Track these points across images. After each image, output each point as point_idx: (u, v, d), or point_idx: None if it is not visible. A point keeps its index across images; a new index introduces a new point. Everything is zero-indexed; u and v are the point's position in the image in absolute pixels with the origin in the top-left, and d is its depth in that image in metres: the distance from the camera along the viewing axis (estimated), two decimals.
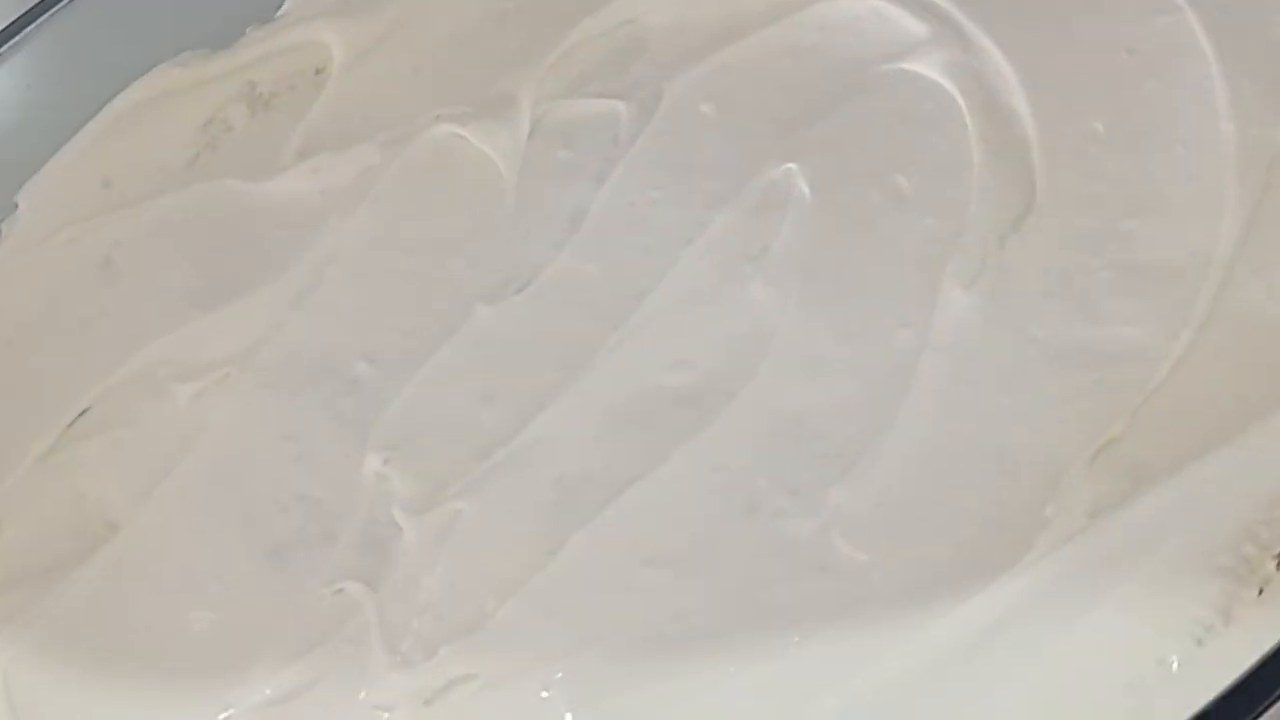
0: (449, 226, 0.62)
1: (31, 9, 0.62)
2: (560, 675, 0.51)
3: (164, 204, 0.63)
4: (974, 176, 0.57)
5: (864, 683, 0.48)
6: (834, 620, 0.50)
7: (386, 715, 0.52)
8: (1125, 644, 0.46)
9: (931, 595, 0.49)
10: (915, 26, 0.60)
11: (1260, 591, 0.45)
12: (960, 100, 0.58)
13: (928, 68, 0.59)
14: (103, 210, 0.63)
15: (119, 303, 0.62)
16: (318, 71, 0.65)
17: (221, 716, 0.53)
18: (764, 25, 0.63)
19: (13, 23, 0.62)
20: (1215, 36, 0.56)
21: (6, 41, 0.62)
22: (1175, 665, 0.44)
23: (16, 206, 0.62)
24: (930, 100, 0.59)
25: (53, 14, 0.62)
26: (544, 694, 0.51)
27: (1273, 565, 0.46)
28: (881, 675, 0.48)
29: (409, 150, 0.63)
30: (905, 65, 0.60)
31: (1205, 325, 0.50)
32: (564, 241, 0.60)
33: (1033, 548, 0.49)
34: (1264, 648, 0.41)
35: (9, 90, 0.62)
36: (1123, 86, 0.57)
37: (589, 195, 0.61)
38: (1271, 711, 0.40)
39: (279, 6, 0.66)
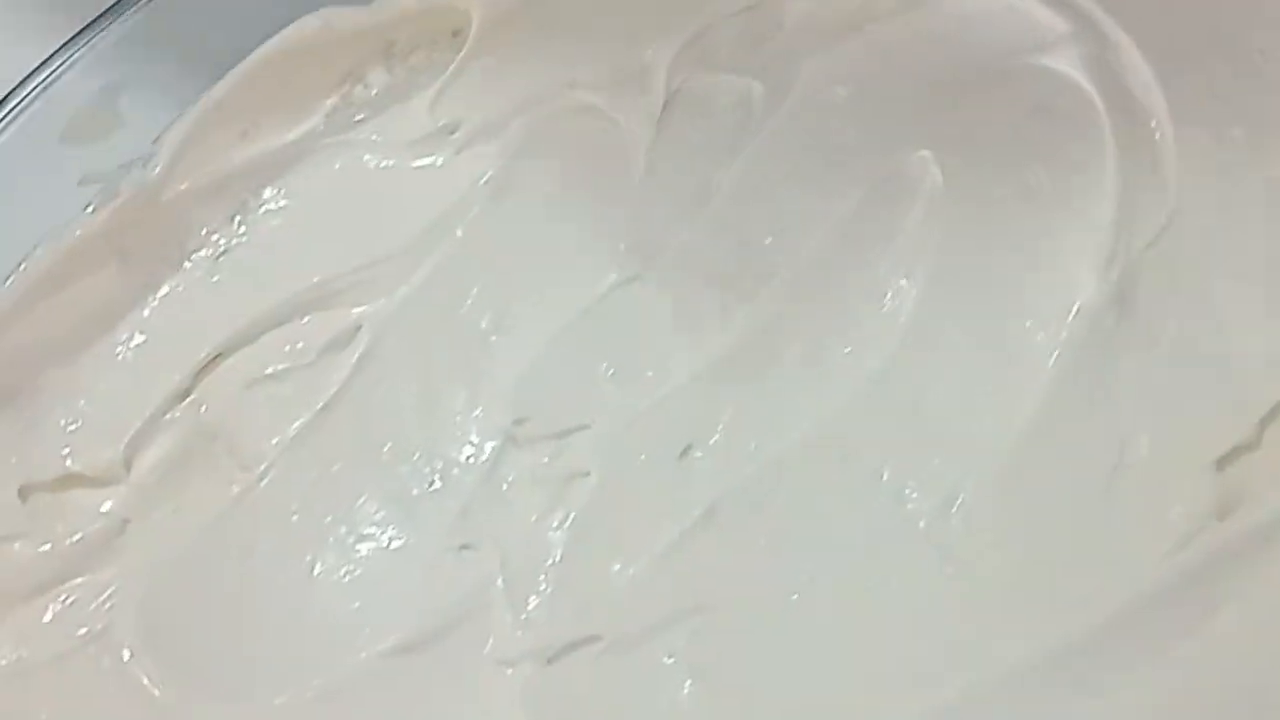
0: (579, 195, 0.62)
1: None
2: (683, 643, 0.52)
3: (301, 156, 0.64)
4: (1108, 176, 0.57)
5: (979, 673, 0.49)
6: (952, 607, 0.51)
7: (510, 671, 0.53)
8: (1249, 648, 0.46)
9: (1052, 589, 0.50)
10: (1053, 21, 0.60)
11: None
12: (1097, 98, 0.58)
13: (1065, 63, 0.59)
14: (239, 159, 0.64)
15: (254, 250, 0.63)
16: (455, 34, 0.66)
17: (347, 661, 0.54)
18: (902, 12, 0.63)
19: None
20: None
21: None
22: None
23: (156, 151, 0.62)
24: (1066, 97, 0.59)
25: None
26: (667, 660, 0.52)
27: None
28: (996, 668, 0.49)
29: (542, 116, 0.63)
30: (1042, 60, 0.60)
31: None
32: (693, 216, 0.61)
33: (1156, 548, 0.49)
34: None
35: (153, 36, 0.62)
36: (1263, 92, 0.56)
37: (720, 171, 0.62)
38: None
39: None
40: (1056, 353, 0.54)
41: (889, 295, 0.57)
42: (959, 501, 0.53)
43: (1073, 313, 0.55)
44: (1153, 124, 0.58)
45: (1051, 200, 0.58)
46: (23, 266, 0.60)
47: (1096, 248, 0.55)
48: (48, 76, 0.61)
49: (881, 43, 0.63)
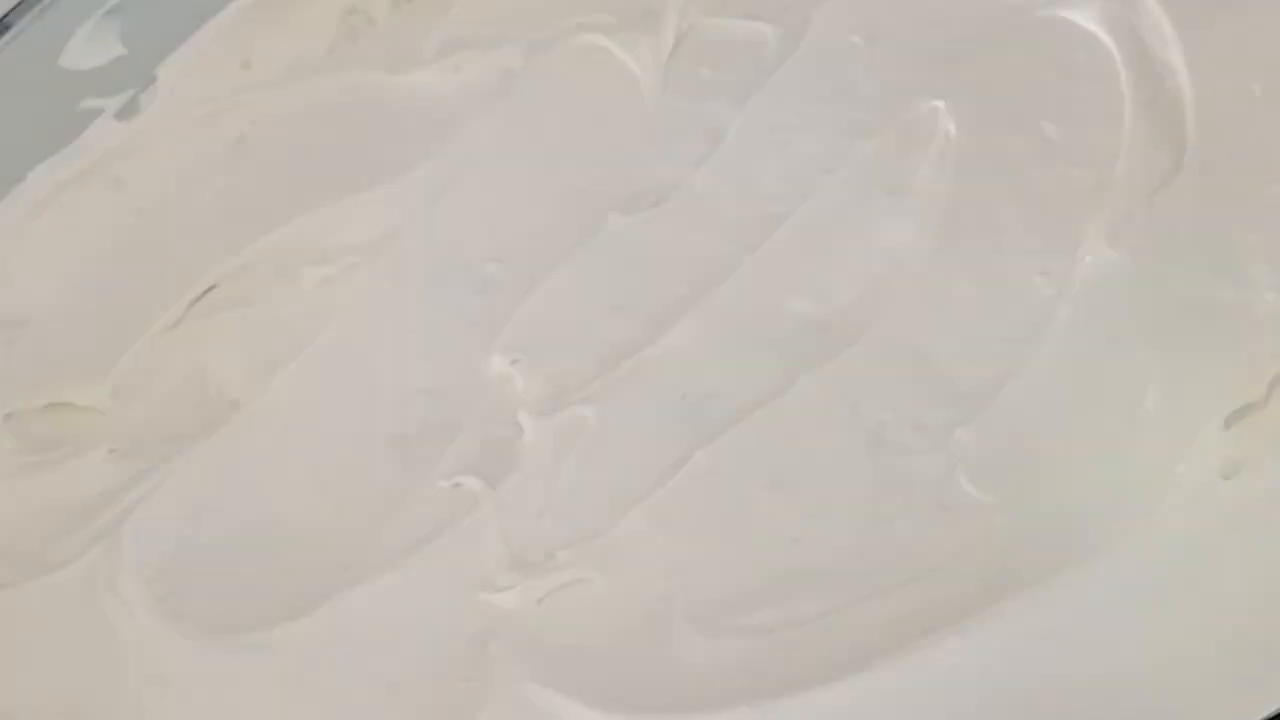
0: (587, 135, 0.61)
1: None
2: (678, 589, 0.51)
3: (302, 89, 0.63)
4: (1124, 130, 0.56)
5: (981, 632, 0.48)
6: (954, 562, 0.50)
7: (500, 609, 0.52)
8: (1257, 609, 0.45)
9: (1057, 545, 0.49)
10: None
11: None
12: (1115, 52, 0.58)
13: (1084, 17, 0.58)
14: (240, 90, 0.63)
15: (251, 182, 0.62)
16: None
17: (336, 597, 0.53)
18: None
19: None
20: None
21: None
22: None
23: (156, 79, 0.61)
24: (1084, 50, 0.58)
25: None
26: (660, 604, 0.51)
27: None
28: (1001, 625, 0.48)
29: (550, 55, 0.63)
30: (1061, 12, 0.59)
31: None
32: (702, 160, 0.60)
33: (1163, 505, 0.48)
34: None
35: None
36: None
37: (729, 115, 0.61)
38: None
39: None
40: (1066, 307, 0.53)
41: (899, 246, 0.56)
42: (964, 455, 0.52)
43: (1083, 267, 0.53)
44: (1171, 79, 0.57)
45: (1065, 154, 0.57)
46: (18, 191, 0.59)
47: (1109, 203, 0.55)
48: (48, 1, 0.60)
49: None
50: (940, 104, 0.58)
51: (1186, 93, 0.56)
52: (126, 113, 0.61)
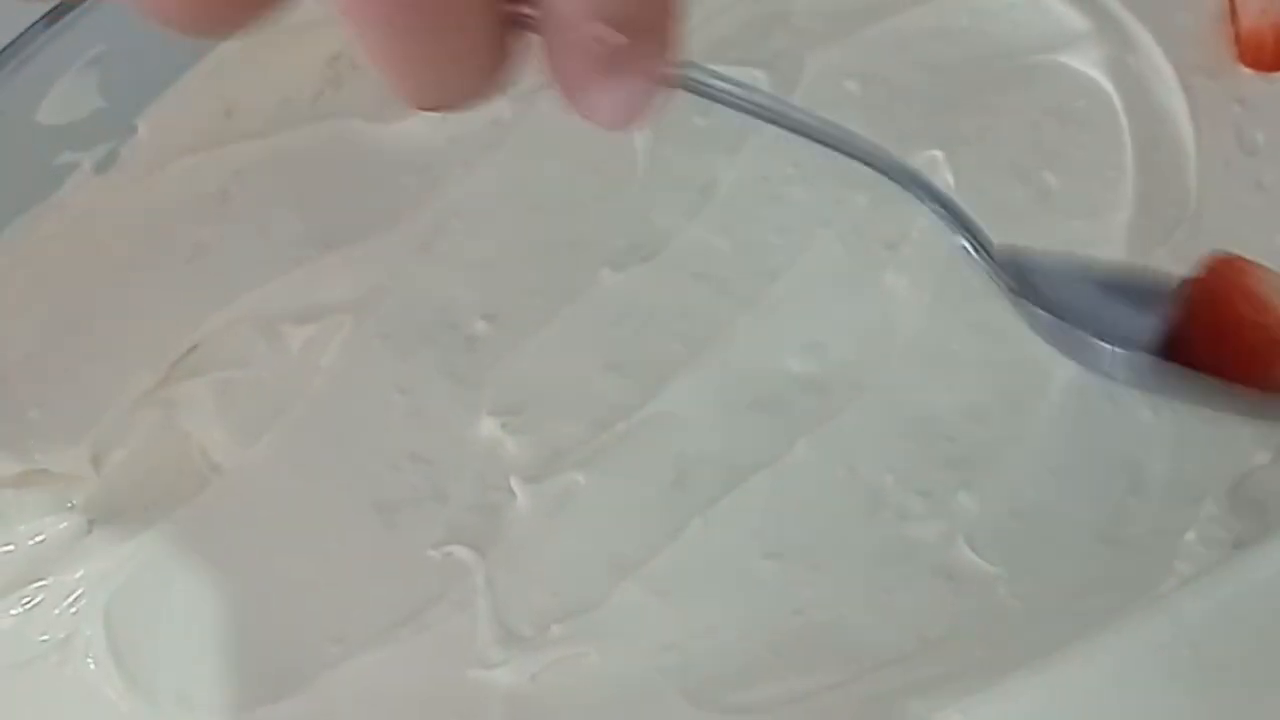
0: (577, 186, 0.60)
1: None
2: (677, 664, 0.50)
3: (286, 139, 0.62)
4: (1126, 180, 0.55)
5: (986, 708, 0.47)
6: (957, 631, 0.49)
7: (493, 685, 0.51)
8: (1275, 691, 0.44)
9: (1060, 616, 0.48)
10: (1074, 19, 0.58)
11: None
12: (1116, 99, 0.57)
13: (1084, 63, 0.57)
14: (223, 140, 0.61)
15: (234, 238, 0.60)
16: None
17: (323, 673, 0.52)
18: (914, 4, 0.61)
19: None
20: None
21: None
22: None
23: (136, 130, 0.60)
24: (1085, 97, 0.57)
25: None
26: (659, 679, 0.50)
27: None
28: (1005, 704, 0.47)
29: (540, 104, 0.61)
30: (1061, 58, 0.58)
31: None
32: (695, 211, 0.59)
33: (1171, 575, 0.48)
34: None
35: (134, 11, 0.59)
36: None
37: (723, 166, 0.59)
38: None
39: None
40: (1067, 366, 0.52)
41: (896, 302, 0.55)
42: (966, 521, 0.51)
43: None
44: (1173, 128, 0.56)
45: (1066, 205, 0.56)
46: None
47: (1112, 255, 0.53)
48: (25, 53, 0.58)
49: (894, 36, 0.60)
50: (939, 153, 0.57)
51: (1189, 141, 0.56)
52: (104, 165, 0.59)
